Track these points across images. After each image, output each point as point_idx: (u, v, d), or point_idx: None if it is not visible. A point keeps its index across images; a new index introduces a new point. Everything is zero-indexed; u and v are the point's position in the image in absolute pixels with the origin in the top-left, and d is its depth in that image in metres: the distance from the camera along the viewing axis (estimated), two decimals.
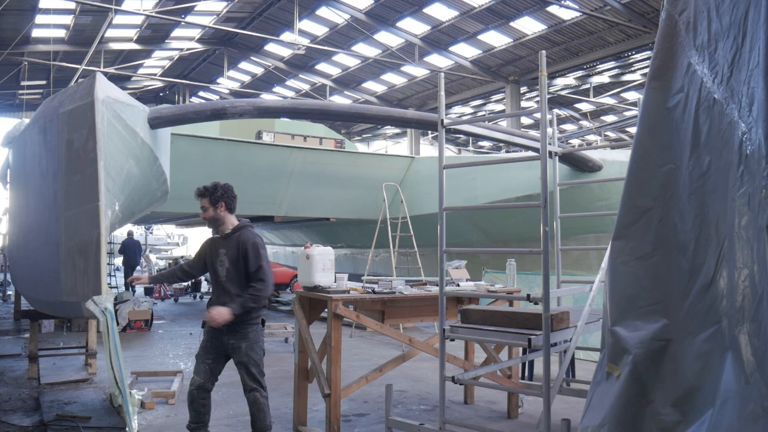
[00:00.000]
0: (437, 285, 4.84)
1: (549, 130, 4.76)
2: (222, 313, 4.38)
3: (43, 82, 25.66)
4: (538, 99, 14.25)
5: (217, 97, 29.96)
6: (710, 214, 2.53)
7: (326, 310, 5.05)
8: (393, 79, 24.84)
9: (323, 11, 19.80)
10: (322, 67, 25.08)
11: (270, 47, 24.14)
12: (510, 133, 6.85)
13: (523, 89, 22.56)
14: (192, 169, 9.95)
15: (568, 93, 23.63)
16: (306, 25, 20.70)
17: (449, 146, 34.76)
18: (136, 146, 5.83)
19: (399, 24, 19.71)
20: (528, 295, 4.18)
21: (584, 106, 25.78)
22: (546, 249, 3.88)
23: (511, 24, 18.24)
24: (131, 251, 18.34)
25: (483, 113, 28.32)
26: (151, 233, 29.85)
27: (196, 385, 4.61)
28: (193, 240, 36.69)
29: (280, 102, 10.20)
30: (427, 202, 11.22)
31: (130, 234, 19.40)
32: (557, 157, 6.11)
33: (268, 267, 4.54)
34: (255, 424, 4.59)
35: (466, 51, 20.82)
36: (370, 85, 25.97)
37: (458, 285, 5.92)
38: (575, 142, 27.75)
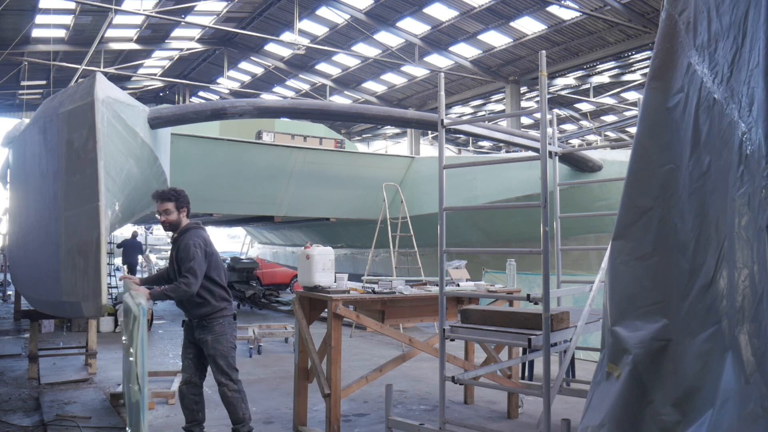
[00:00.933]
0: (437, 285, 4.84)
1: (549, 130, 4.76)
2: (140, 290, 4.56)
3: (43, 82, 25.66)
4: (538, 99, 14.24)
5: (217, 97, 29.96)
6: (710, 214, 2.53)
7: (326, 310, 5.05)
8: (393, 79, 24.84)
9: (323, 11, 19.80)
10: (322, 67, 25.08)
11: (270, 47, 24.14)
12: (510, 133, 6.85)
13: (523, 89, 22.56)
14: (192, 169, 9.95)
15: (568, 93, 23.63)
16: (306, 25, 20.69)
17: (449, 146, 34.77)
18: (136, 146, 5.83)
19: (399, 24, 19.70)
20: (528, 295, 4.18)
21: (584, 106, 25.78)
22: (546, 249, 3.89)
23: (511, 24, 18.24)
24: (129, 251, 18.40)
25: (483, 113, 28.32)
26: (151, 233, 29.84)
27: (183, 381, 4.78)
28: None
29: (280, 102, 10.20)
30: (427, 202, 11.22)
31: (134, 235, 19.45)
32: (557, 157, 6.11)
33: (198, 266, 4.59)
34: (230, 417, 4.72)
35: (466, 51, 20.82)
36: (370, 85, 25.97)
37: (458, 285, 5.93)
38: (575, 142, 27.74)
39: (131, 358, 4.37)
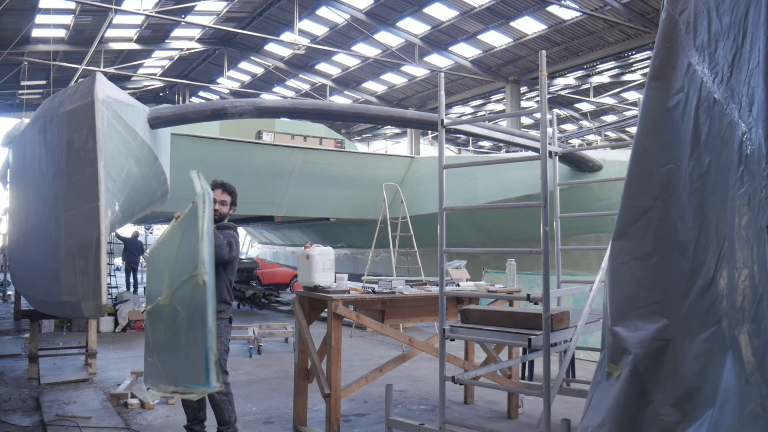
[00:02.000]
0: (437, 285, 4.83)
1: (549, 130, 4.76)
2: None
3: (43, 82, 25.65)
4: (538, 99, 14.23)
5: (217, 97, 29.95)
6: (710, 214, 2.53)
7: (326, 310, 5.05)
8: (393, 79, 24.83)
9: (323, 11, 19.79)
10: (322, 67, 25.08)
11: (270, 47, 24.14)
12: (510, 133, 6.84)
13: (523, 89, 22.56)
14: (192, 169, 9.91)
15: (568, 93, 23.62)
16: (306, 25, 20.69)
17: (449, 146, 34.76)
18: (136, 146, 5.83)
19: (399, 24, 19.70)
20: (528, 295, 4.18)
21: (584, 106, 25.77)
22: (546, 249, 3.88)
23: (511, 24, 18.24)
24: (129, 250, 18.57)
25: (483, 113, 28.32)
26: (151, 233, 29.89)
27: None
28: None
29: (280, 102, 10.20)
30: (427, 202, 11.21)
31: (134, 234, 19.57)
32: (557, 157, 6.11)
33: (236, 251, 4.75)
34: (216, 418, 4.75)
35: (466, 51, 20.81)
36: (370, 85, 25.96)
37: (458, 285, 5.93)
38: (575, 142, 27.74)
39: (198, 243, 4.05)
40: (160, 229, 32.22)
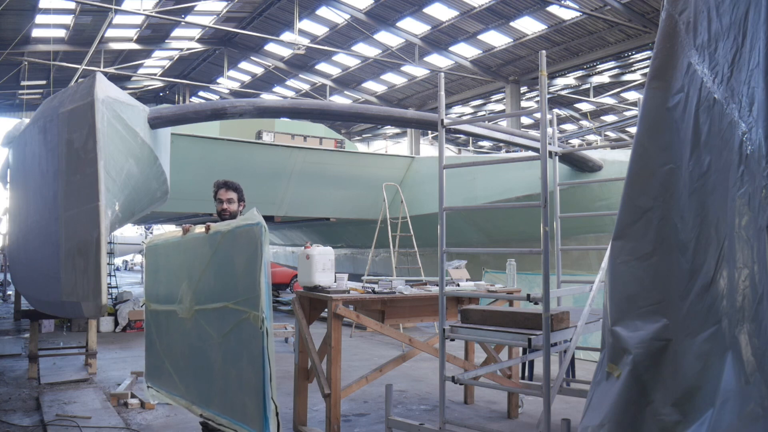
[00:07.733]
0: (437, 285, 4.83)
1: (549, 130, 4.76)
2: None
3: (43, 82, 25.65)
4: (538, 99, 14.24)
5: (217, 97, 29.95)
6: (710, 214, 2.53)
7: (326, 310, 5.05)
8: (393, 79, 24.83)
9: (323, 11, 19.79)
10: (322, 67, 25.08)
11: (270, 47, 24.14)
12: (510, 133, 6.84)
13: (523, 89, 22.55)
14: (192, 169, 9.94)
15: (568, 93, 23.62)
16: (306, 25, 20.69)
17: (449, 146, 34.75)
18: (136, 146, 5.83)
19: (399, 24, 19.70)
20: (528, 295, 4.18)
21: (584, 106, 25.77)
22: (546, 249, 3.88)
23: (511, 24, 18.24)
24: None
25: (483, 113, 28.31)
26: (151, 233, 29.96)
27: None
28: None
29: (280, 102, 10.20)
30: (427, 202, 11.21)
31: None
32: (557, 157, 6.11)
33: None
34: None
35: (466, 51, 20.82)
36: (370, 85, 25.96)
37: (458, 285, 5.93)
38: (575, 142, 27.74)
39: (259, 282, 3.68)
40: (160, 229, 32.25)
